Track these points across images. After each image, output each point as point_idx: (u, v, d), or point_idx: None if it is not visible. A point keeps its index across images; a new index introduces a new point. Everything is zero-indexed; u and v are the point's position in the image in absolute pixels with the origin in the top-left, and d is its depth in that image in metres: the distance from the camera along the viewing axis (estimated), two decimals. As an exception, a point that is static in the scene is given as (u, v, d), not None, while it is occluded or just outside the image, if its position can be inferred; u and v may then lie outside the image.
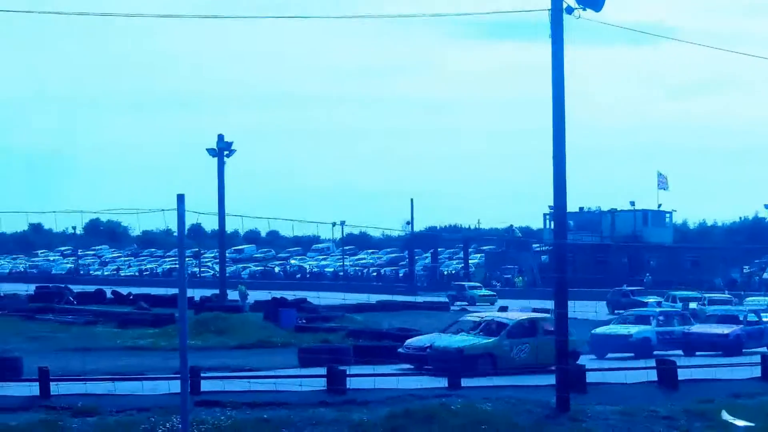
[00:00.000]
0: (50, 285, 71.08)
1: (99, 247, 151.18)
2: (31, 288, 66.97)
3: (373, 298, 63.77)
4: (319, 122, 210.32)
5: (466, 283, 74.32)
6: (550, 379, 26.00)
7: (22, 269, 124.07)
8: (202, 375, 24.55)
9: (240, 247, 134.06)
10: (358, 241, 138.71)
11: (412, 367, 29.60)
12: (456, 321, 33.10)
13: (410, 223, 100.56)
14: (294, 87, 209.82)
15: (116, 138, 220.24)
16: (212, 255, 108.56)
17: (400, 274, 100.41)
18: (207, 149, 62.94)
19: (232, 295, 60.73)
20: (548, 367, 28.57)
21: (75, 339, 38.20)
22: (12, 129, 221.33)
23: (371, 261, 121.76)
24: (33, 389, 22.98)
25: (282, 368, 29.50)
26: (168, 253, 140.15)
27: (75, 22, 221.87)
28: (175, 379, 24.28)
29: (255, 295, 59.74)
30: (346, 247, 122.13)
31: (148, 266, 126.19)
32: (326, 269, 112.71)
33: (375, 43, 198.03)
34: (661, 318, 36.14)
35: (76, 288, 67.61)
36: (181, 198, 12.93)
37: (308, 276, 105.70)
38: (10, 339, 36.79)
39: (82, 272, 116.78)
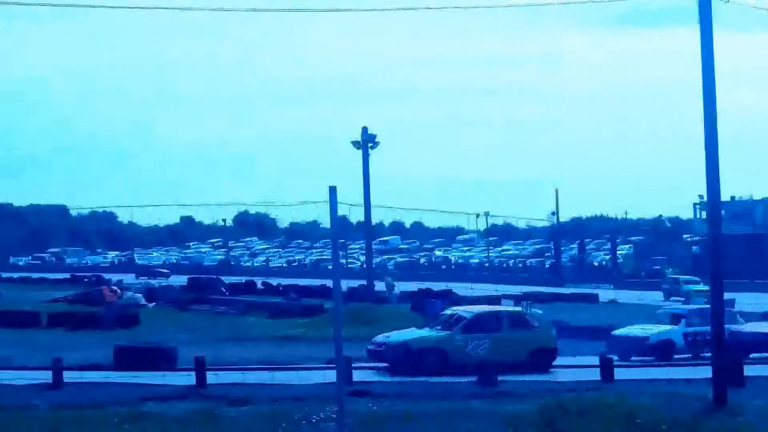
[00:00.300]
0: (202, 276, 72.71)
1: (248, 238, 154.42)
2: (184, 279, 68.76)
3: (519, 289, 63.43)
4: (463, 113, 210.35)
5: (681, 277, 68.22)
6: (521, 377, 24.58)
7: (175, 261, 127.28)
8: (354, 365, 24.73)
9: (385, 238, 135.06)
10: (503, 232, 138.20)
11: (386, 365, 27.62)
12: (441, 314, 31.33)
13: (555, 213, 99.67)
14: (435, 78, 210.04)
15: (264, 131, 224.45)
16: (358, 246, 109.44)
17: (546, 265, 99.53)
18: (351, 141, 63.41)
19: (379, 286, 61.16)
20: (515, 365, 26.41)
21: (228, 329, 38.96)
22: (165, 124, 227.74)
23: (516, 252, 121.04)
24: (189, 378, 23.52)
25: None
26: (315, 245, 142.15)
27: (220, 17, 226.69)
28: (328, 369, 24.67)
29: (401, 286, 60.07)
30: (491, 238, 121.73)
31: (296, 257, 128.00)
32: (471, 260, 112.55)
33: (513, 33, 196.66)
34: (693, 317, 31.97)
35: (228, 279, 69.09)
36: (333, 190, 12.99)
37: (453, 267, 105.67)
38: (165, 329, 37.68)
39: (232, 263, 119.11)
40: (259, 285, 64.83)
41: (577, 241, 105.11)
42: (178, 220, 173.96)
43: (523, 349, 27.58)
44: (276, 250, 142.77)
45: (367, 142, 62.96)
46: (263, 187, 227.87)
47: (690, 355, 30.65)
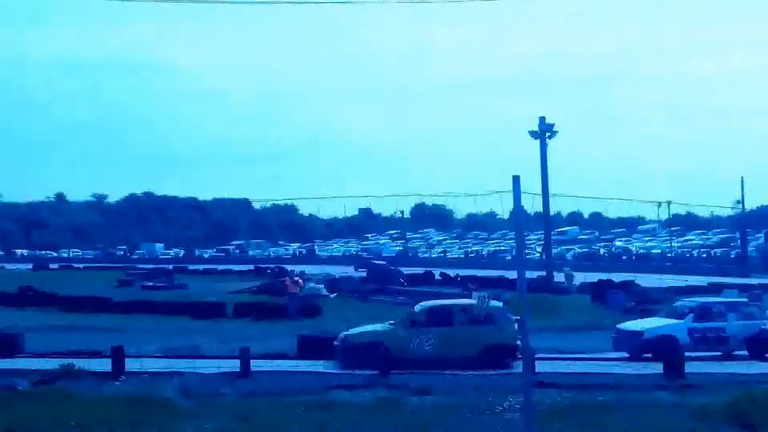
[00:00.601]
0: (382, 267, 73.29)
1: (426, 230, 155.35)
2: (363, 270, 69.53)
3: (703, 280, 61.78)
4: (644, 101, 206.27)
5: None
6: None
7: (354, 252, 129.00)
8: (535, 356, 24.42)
9: (563, 228, 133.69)
10: (685, 222, 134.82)
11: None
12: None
13: (741, 202, 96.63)
14: (615, 66, 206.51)
15: (442, 122, 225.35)
16: (536, 237, 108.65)
17: (731, 255, 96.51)
18: (529, 131, 63.01)
19: (558, 276, 60.56)
20: (467, 361, 25.12)
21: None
22: (344, 117, 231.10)
23: (699, 242, 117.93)
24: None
25: (613, 351, 28.97)
26: (491, 236, 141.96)
27: (396, 9, 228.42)
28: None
29: (580, 277, 59.26)
30: (673, 228, 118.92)
31: (473, 248, 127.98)
32: (652, 251, 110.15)
33: (694, 17, 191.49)
34: (703, 312, 29.04)
35: (406, 270, 69.48)
36: (516, 180, 12.91)
37: (634, 258, 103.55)
38: (346, 319, 38.11)
39: (410, 255, 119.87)
40: (437, 276, 64.98)
41: (764, 230, 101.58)
42: (356, 213, 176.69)
43: (475, 345, 25.97)
44: (453, 241, 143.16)
45: (544, 131, 62.48)
46: (441, 179, 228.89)
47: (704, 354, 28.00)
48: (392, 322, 27.64)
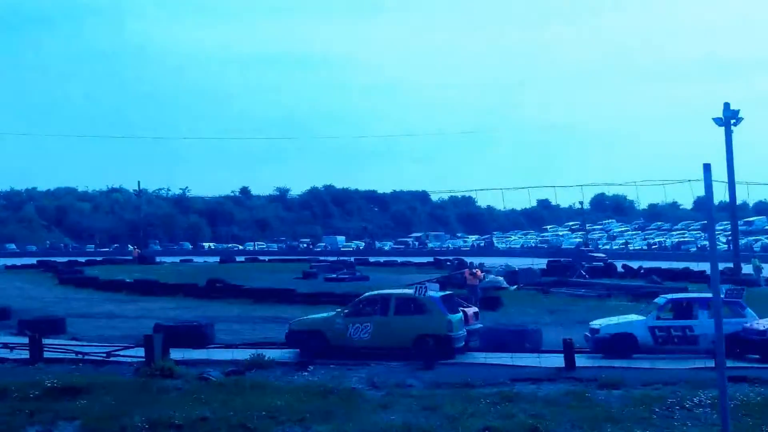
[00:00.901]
0: (561, 259, 72.61)
1: (606, 221, 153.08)
2: (543, 262, 68.99)
3: None
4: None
5: None
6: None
7: (533, 244, 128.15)
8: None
9: (750, 219, 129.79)
10: None
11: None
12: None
13: None
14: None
15: (620, 110, 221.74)
16: (720, 228, 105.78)
17: None
18: (713, 118, 61.37)
19: (746, 268, 58.82)
20: (401, 352, 24.95)
21: (589, 312, 38.67)
22: (522, 105, 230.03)
23: None
24: (556, 360, 23.64)
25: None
26: (675, 227, 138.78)
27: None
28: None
29: (769, 269, 57.47)
30: None
31: (656, 240, 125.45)
32: None
33: None
34: (667, 309, 27.13)
35: (587, 262, 68.55)
36: (707, 167, 12.64)
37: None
38: (528, 311, 38.05)
39: (590, 246, 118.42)
40: (619, 268, 63.92)
41: None
42: (534, 204, 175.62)
43: (408, 335, 25.83)
44: (635, 232, 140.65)
45: (729, 118, 60.71)
46: (621, 168, 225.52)
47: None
48: (339, 310, 28.02)
